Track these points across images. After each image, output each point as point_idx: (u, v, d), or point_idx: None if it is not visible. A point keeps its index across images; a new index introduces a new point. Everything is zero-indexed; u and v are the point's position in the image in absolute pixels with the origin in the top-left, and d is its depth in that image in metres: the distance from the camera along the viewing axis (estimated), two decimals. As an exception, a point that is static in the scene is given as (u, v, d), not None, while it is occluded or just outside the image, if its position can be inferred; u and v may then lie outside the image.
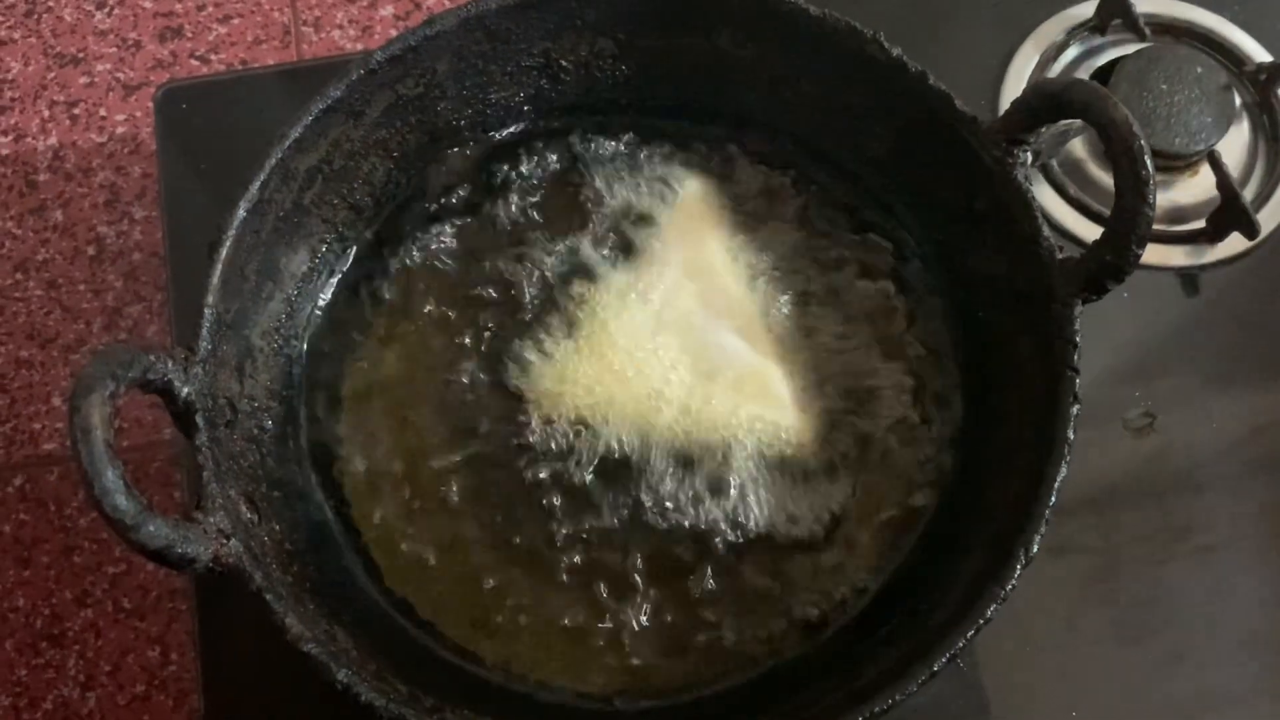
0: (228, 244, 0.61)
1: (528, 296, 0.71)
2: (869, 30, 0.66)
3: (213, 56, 0.96)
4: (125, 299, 0.89)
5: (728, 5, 0.69)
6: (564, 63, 0.72)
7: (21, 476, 0.84)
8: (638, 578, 0.65)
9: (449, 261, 0.72)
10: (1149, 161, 0.57)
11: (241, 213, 0.62)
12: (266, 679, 0.68)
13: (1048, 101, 0.61)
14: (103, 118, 0.94)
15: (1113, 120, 0.57)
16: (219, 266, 0.61)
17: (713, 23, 0.70)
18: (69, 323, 0.89)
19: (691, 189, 0.74)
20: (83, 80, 0.96)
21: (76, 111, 0.95)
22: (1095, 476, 0.75)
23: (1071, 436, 0.58)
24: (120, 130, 0.94)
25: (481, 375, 0.69)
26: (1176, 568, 0.73)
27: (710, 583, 0.65)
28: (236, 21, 0.97)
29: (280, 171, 0.64)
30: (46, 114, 0.94)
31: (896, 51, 0.66)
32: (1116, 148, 0.57)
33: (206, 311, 0.60)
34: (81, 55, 0.96)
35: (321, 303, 0.70)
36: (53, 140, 0.94)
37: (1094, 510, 0.74)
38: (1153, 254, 0.79)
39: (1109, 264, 0.59)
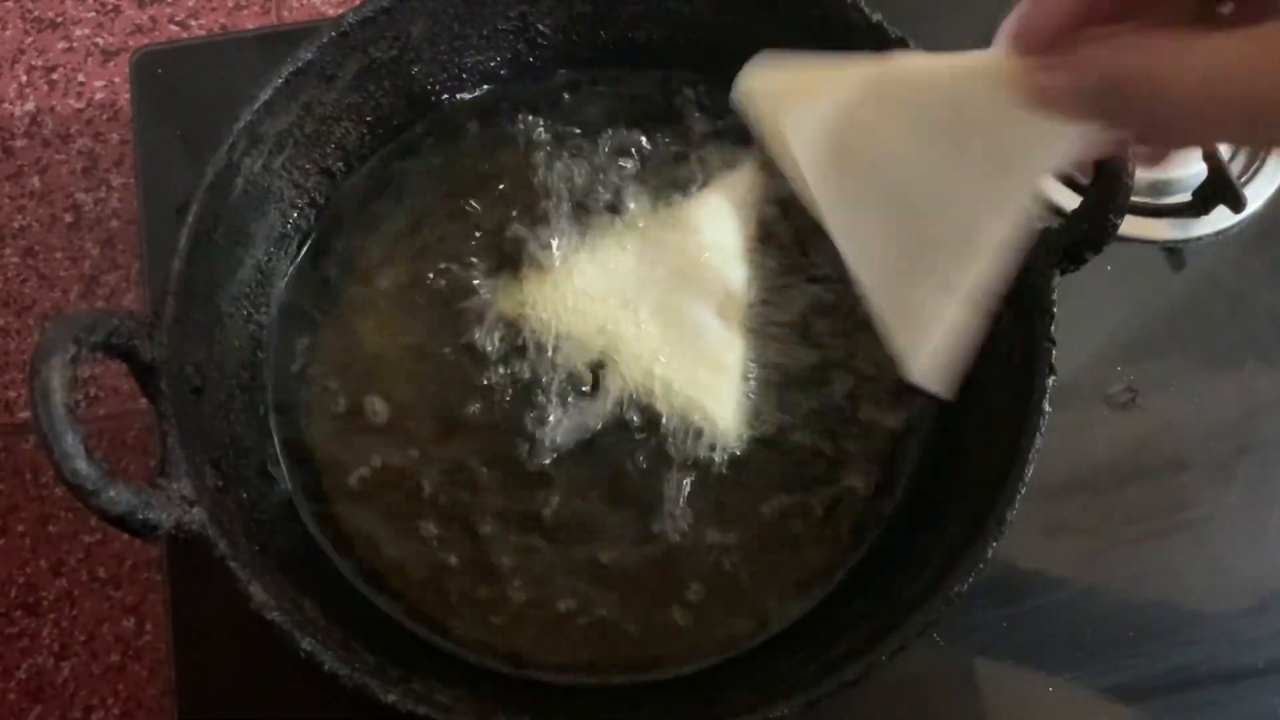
0: (195, 209, 0.60)
1: (502, 251, 0.70)
2: (848, -4, 0.65)
3: (192, 22, 0.95)
4: (102, 267, 0.88)
5: (707, -31, 0.68)
6: (541, 26, 0.71)
7: (-4, 444, 0.84)
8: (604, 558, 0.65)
9: (426, 224, 0.71)
10: (1128, 129, 0.56)
11: (210, 177, 0.61)
12: (239, 649, 0.67)
13: (1028, 68, 0.60)
14: (81, 83, 0.93)
15: (1092, 87, 0.56)
16: (186, 231, 0.60)
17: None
18: (46, 290, 0.88)
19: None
20: (61, 45, 0.94)
21: (55, 77, 0.94)
22: (1076, 452, 0.74)
23: (1048, 409, 0.58)
24: (99, 96, 0.93)
25: (454, 338, 0.68)
26: (1161, 544, 0.72)
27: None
28: (216, -14, 0.96)
29: (249, 135, 0.63)
30: (24, 79, 0.93)
31: (877, 17, 0.65)
32: (1096, 115, 0.56)
33: (173, 276, 0.59)
34: (60, 20, 0.95)
35: (292, 269, 0.70)
36: (30, 106, 0.92)
37: (1072, 486, 0.73)
38: (1137, 227, 0.78)
39: (1086, 233, 0.58)
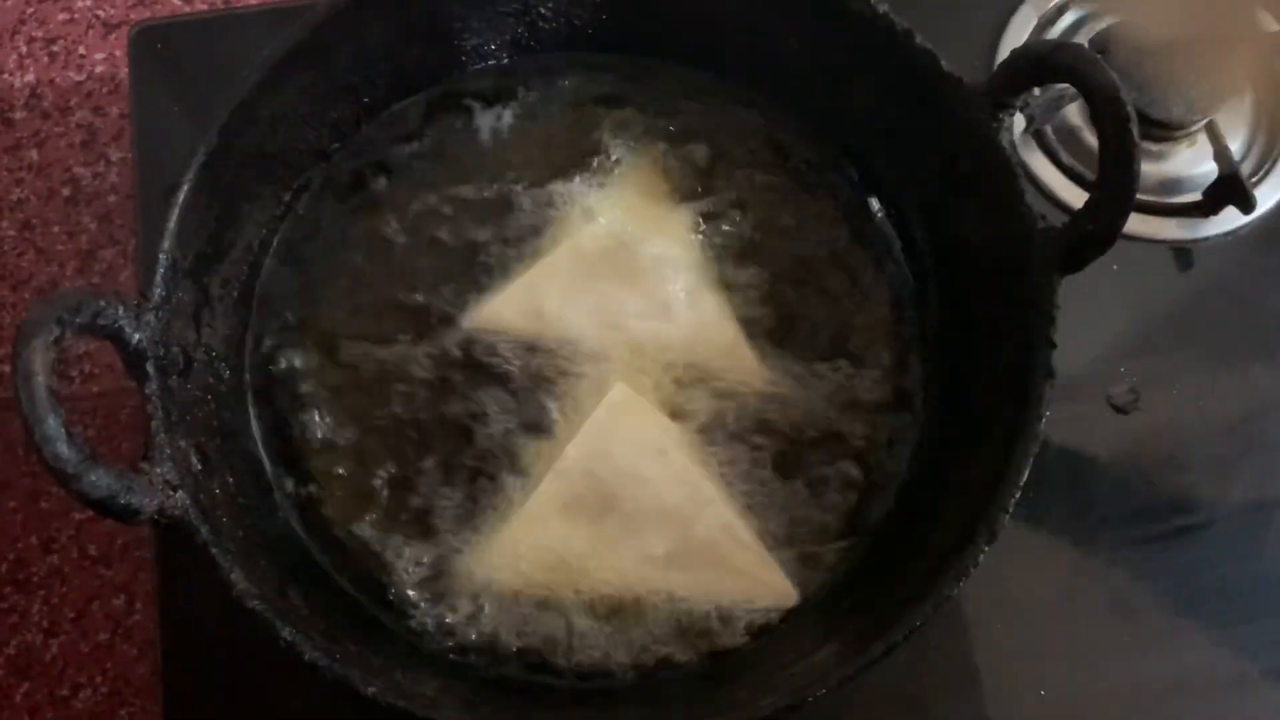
0: (186, 190, 0.60)
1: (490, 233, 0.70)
2: (854, -15, 0.64)
3: (195, -4, 0.94)
4: (100, 242, 0.88)
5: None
6: (543, 10, 0.70)
7: (-11, 419, 0.83)
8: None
9: (416, 206, 0.70)
10: (1135, 130, 0.55)
11: (201, 158, 0.60)
12: (226, 630, 0.66)
13: (1034, 64, 0.59)
14: (81, 56, 0.92)
15: (1099, 85, 0.55)
16: (176, 212, 0.59)
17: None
18: (42, 265, 0.87)
19: (659, 146, 0.72)
20: (62, 17, 0.93)
21: (55, 49, 0.93)
22: (1076, 451, 0.73)
23: (1046, 413, 0.57)
24: (99, 69, 0.92)
25: (443, 330, 0.68)
26: (1160, 547, 0.72)
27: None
28: (221, -40, 0.95)
29: (242, 116, 0.62)
30: (24, 50, 0.92)
31: (883, 8, 0.63)
32: (1102, 114, 0.55)
33: (161, 258, 0.58)
34: (62, -9, 0.94)
35: (284, 251, 0.69)
36: (30, 77, 0.92)
37: (1074, 487, 0.72)
38: (1145, 226, 0.77)
39: (1090, 234, 0.57)
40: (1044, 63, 0.58)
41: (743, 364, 0.67)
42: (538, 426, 0.65)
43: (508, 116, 0.73)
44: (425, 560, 0.63)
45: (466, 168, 0.71)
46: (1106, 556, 0.71)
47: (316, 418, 0.66)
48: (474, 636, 0.61)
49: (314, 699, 0.58)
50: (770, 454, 0.66)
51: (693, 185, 0.71)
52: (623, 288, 0.68)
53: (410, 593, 0.63)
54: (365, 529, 0.64)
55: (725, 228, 0.70)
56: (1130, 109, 0.55)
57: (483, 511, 0.64)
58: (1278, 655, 0.70)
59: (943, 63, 0.62)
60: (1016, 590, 0.69)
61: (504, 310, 0.68)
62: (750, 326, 0.69)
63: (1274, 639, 0.70)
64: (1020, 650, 0.69)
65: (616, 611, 0.62)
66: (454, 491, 0.64)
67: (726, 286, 0.69)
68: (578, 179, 0.71)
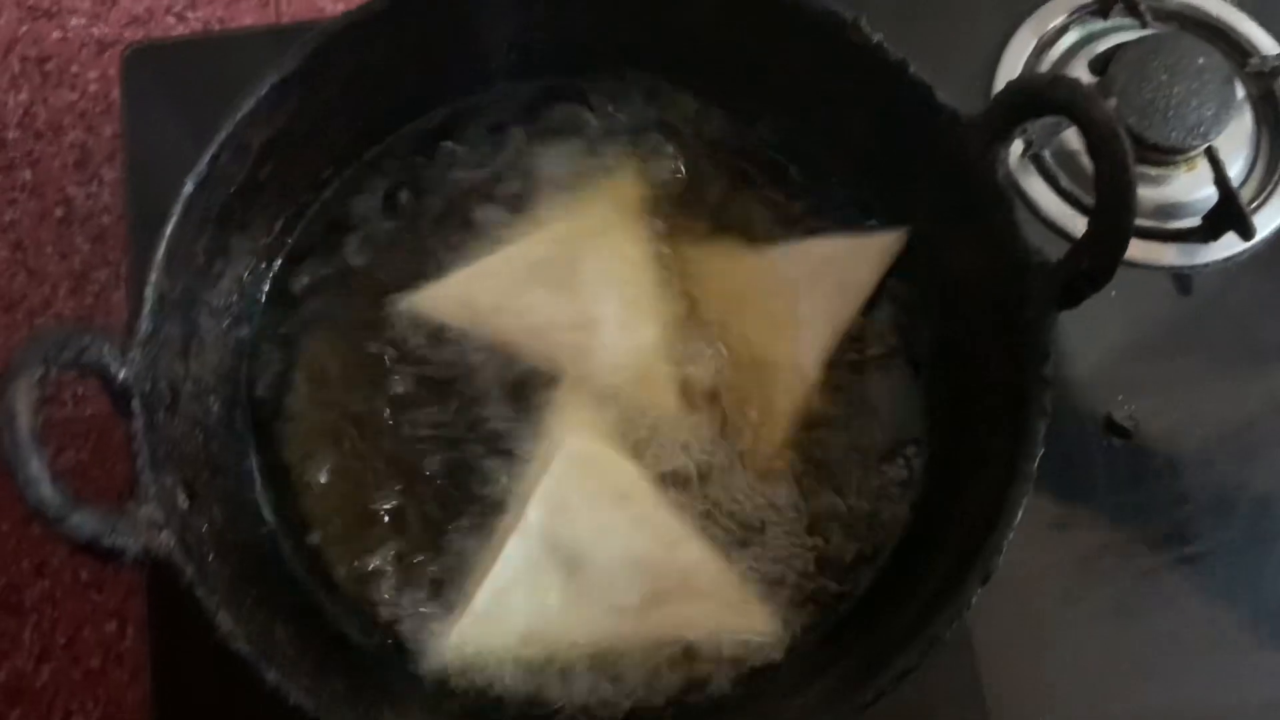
0: (174, 221, 0.59)
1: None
2: (849, 15, 0.63)
3: (189, 14, 0.94)
4: (93, 263, 0.87)
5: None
6: (537, 34, 0.69)
7: (-19, 442, 0.83)
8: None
9: (407, 230, 0.70)
10: (1132, 167, 0.54)
11: (189, 189, 0.59)
12: (217, 660, 0.66)
13: (1029, 98, 0.58)
14: (75, 75, 0.92)
15: (1094, 121, 0.54)
16: (164, 245, 0.58)
17: (685, 3, 0.67)
18: (35, 286, 0.87)
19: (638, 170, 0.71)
20: (55, 36, 0.93)
21: (48, 68, 0.92)
22: (1073, 480, 0.73)
23: (1039, 451, 0.56)
24: (93, 88, 0.92)
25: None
26: (1158, 578, 0.71)
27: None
28: (215, -23, 0.95)
29: (232, 145, 0.61)
30: (17, 69, 0.92)
31: (877, 38, 0.63)
32: (1098, 150, 0.55)
33: (148, 291, 0.58)
34: (55, 9, 0.94)
35: (277, 279, 0.68)
36: (23, 96, 0.91)
37: (1069, 517, 0.71)
38: (1145, 252, 0.76)
39: (1086, 272, 0.56)
40: (1040, 97, 0.57)
41: (665, 401, 0.66)
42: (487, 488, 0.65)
43: (510, 137, 0.72)
44: (411, 602, 0.62)
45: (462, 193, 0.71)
46: (1108, 585, 0.71)
47: (305, 451, 0.65)
48: (463, 684, 0.61)
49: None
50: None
51: (666, 206, 0.71)
52: (559, 298, 0.67)
53: (400, 629, 0.62)
54: (356, 565, 0.64)
55: (691, 251, 0.69)
56: (1128, 145, 0.54)
57: (451, 573, 0.63)
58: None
59: (938, 95, 0.61)
60: (1029, 594, 0.69)
61: (440, 297, 0.68)
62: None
63: (1272, 670, 0.70)
64: (1013, 681, 0.68)
65: (596, 664, 0.61)
66: (428, 549, 0.64)
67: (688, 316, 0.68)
68: (554, 185, 0.71)
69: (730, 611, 0.62)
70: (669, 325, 0.67)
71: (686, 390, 0.66)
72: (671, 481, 0.64)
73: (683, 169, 0.71)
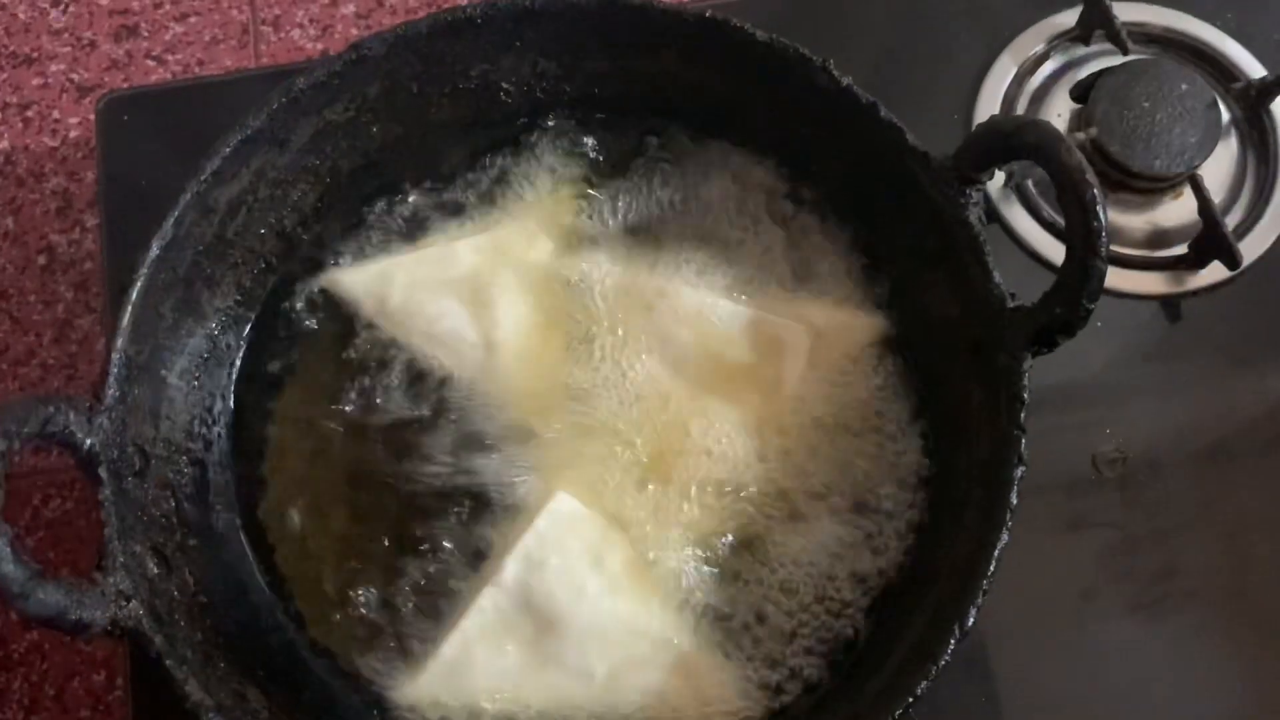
0: (139, 285, 0.59)
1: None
2: (818, 58, 0.62)
3: (169, 57, 0.93)
4: (76, 310, 0.87)
5: (672, 28, 0.65)
6: (505, 84, 0.69)
7: (-34, 494, 0.83)
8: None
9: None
10: (1101, 212, 0.53)
11: (154, 252, 0.59)
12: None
13: (1000, 142, 0.57)
14: (56, 120, 0.92)
15: (1064, 166, 0.54)
16: (129, 309, 0.58)
17: (659, 45, 0.66)
18: (19, 335, 0.87)
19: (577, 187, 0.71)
20: (35, 81, 0.93)
21: (29, 114, 0.92)
22: (1062, 511, 0.72)
23: (1014, 501, 0.55)
24: (74, 134, 0.91)
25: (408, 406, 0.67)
26: (1149, 615, 0.70)
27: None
28: (194, 20, 0.94)
29: (197, 206, 0.61)
30: (-1, 116, 0.92)
31: (846, 81, 0.62)
32: (1067, 196, 0.54)
33: (114, 356, 0.57)
34: (35, 55, 0.94)
35: (247, 335, 0.68)
36: (4, 144, 0.91)
37: (1066, 548, 0.70)
38: (1131, 280, 0.75)
39: (1059, 317, 0.56)
40: (1009, 140, 0.57)
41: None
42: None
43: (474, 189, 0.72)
44: (385, 656, 0.62)
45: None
46: (1092, 624, 0.70)
47: (280, 509, 0.65)
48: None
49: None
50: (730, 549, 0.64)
51: (599, 232, 0.70)
52: (462, 311, 0.67)
53: (374, 683, 0.62)
54: (333, 620, 0.63)
55: (606, 281, 0.68)
56: (1098, 192, 0.53)
57: (424, 628, 0.63)
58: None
59: (909, 137, 0.61)
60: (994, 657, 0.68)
61: (355, 281, 0.69)
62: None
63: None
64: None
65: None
66: (404, 602, 0.63)
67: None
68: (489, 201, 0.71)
69: (699, 687, 0.61)
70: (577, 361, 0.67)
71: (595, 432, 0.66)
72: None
73: (631, 203, 0.71)
